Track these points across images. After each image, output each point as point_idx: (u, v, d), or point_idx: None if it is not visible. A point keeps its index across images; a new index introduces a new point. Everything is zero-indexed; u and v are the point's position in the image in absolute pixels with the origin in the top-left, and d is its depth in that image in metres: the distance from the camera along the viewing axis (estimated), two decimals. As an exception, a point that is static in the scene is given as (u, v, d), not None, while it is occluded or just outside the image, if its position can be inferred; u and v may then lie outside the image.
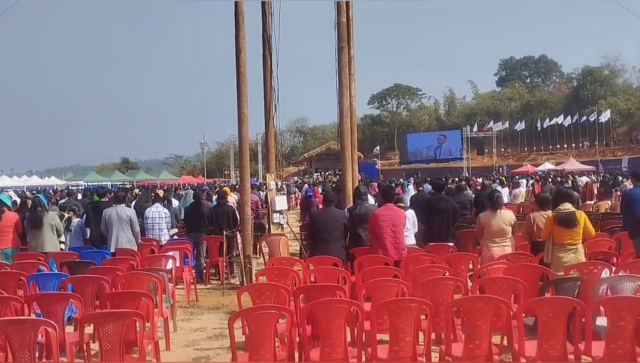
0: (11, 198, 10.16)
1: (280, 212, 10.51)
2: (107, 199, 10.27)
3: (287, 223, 10.86)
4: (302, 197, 18.97)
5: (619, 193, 14.48)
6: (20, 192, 29.94)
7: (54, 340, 4.24)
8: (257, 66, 10.87)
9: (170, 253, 8.08)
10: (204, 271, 10.01)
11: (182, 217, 11.75)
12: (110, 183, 44.92)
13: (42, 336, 4.72)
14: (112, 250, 8.43)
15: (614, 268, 5.97)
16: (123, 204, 9.00)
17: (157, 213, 10.04)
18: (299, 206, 24.45)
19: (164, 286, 6.24)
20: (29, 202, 11.73)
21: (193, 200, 10.92)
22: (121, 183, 46.56)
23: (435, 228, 8.42)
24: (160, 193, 13.20)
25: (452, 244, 8.38)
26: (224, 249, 9.53)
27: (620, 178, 21.34)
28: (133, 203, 12.68)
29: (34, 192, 26.28)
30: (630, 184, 11.40)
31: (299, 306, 5.16)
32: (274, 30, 10.31)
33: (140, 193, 18.09)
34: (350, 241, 7.81)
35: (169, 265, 7.67)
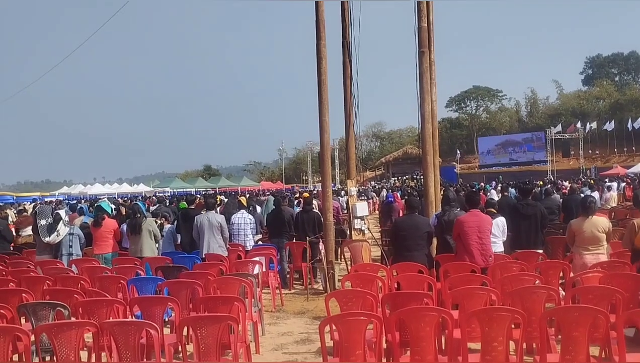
0: (110, 205, 10.78)
1: (362, 218, 10.57)
2: (194, 206, 10.70)
3: (368, 228, 10.90)
4: (382, 202, 18.94)
5: None
6: (113, 199, 31.74)
7: (156, 341, 4.50)
8: (337, 72, 11.02)
9: (257, 259, 8.33)
10: (288, 276, 10.22)
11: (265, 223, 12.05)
12: (194, 190, 46.72)
13: (144, 337, 5.00)
14: (204, 255, 8.77)
15: None
16: (213, 211, 9.35)
17: (243, 219, 10.35)
18: (377, 211, 24.43)
19: (253, 291, 6.45)
20: (122, 209, 12.45)
21: (274, 206, 11.16)
22: (204, 189, 48.24)
23: (522, 234, 8.16)
24: (243, 199, 13.59)
25: (541, 251, 8.12)
26: (308, 254, 9.70)
27: None
28: (218, 209, 13.13)
29: (126, 199, 27.73)
30: None
31: (385, 313, 5.18)
32: (354, 37, 10.42)
33: (226, 200, 18.68)
34: (439, 248, 7.74)
35: (256, 269, 7.91)
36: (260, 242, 10.87)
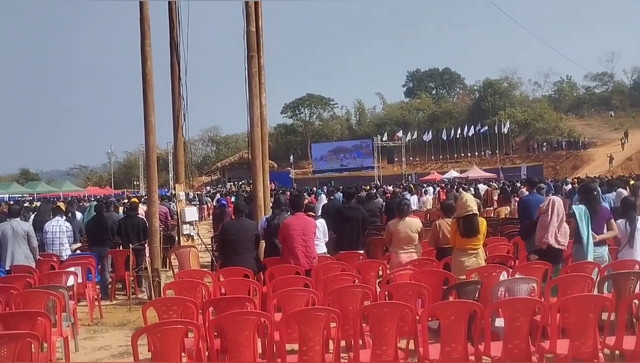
0: None
1: (191, 223, 10.29)
2: None
3: (198, 234, 10.65)
4: (215, 207, 18.67)
5: (517, 199, 15.33)
6: None
7: None
8: (165, 73, 10.63)
9: (72, 269, 7.69)
10: (109, 286, 9.59)
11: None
12: (7, 196, 42.15)
13: None
14: (8, 267, 7.89)
15: (511, 271, 6.30)
16: (18, 218, 8.45)
17: (58, 226, 9.51)
18: (211, 217, 24.04)
19: (64, 304, 5.92)
20: None
21: (95, 212, 10.43)
22: (20, 195, 43.78)
23: (346, 236, 8.54)
24: (62, 205, 12.52)
25: (362, 251, 8.55)
26: (131, 262, 9.18)
27: (519, 185, 22.64)
28: (32, 216, 11.94)
29: None
30: (526, 191, 12.10)
31: (208, 320, 5.05)
32: (182, 37, 10.12)
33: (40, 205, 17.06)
34: (267, 252, 7.77)
35: (70, 281, 7.29)
36: (78, 251, 10.07)
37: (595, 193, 7.09)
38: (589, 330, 4.42)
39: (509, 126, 57.51)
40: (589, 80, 72.41)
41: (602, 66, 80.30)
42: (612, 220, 6.72)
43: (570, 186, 23.36)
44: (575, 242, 6.64)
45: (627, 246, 6.55)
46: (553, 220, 6.44)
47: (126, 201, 19.89)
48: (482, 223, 6.61)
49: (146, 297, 9.30)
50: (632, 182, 18.61)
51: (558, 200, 6.68)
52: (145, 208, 12.80)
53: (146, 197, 16.35)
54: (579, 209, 6.60)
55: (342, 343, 5.16)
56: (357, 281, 6.14)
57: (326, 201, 14.88)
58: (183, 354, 4.46)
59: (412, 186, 28.90)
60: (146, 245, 9.66)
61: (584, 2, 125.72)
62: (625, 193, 11.40)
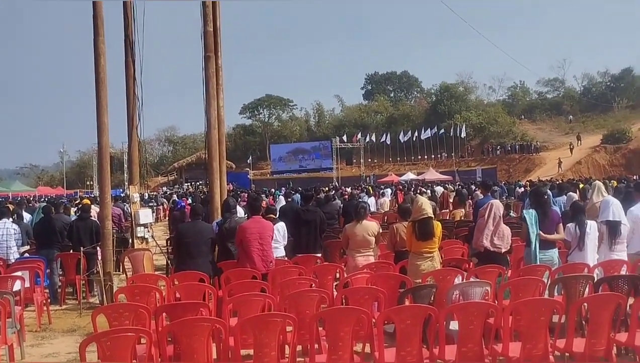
0: None
1: (145, 225, 10.08)
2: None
3: (153, 236, 10.45)
4: (172, 209, 18.36)
5: (471, 202, 15.60)
6: None
7: None
8: (120, 72, 10.41)
9: (19, 273, 7.41)
10: (59, 290, 9.29)
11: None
12: (-51, 196, 40.44)
13: None
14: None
15: (465, 274, 6.39)
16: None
17: (5, 229, 9.16)
18: (167, 218, 23.64)
19: (9, 310, 5.69)
20: None
21: (43, 214, 10.08)
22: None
23: (303, 239, 8.51)
24: (10, 206, 12.08)
25: (319, 255, 8.53)
26: (82, 266, 8.92)
27: (474, 188, 23.09)
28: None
29: None
30: (481, 193, 12.32)
31: (161, 326, 4.94)
32: (137, 35, 9.91)
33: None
34: (220, 256, 7.66)
35: (17, 286, 7.02)
36: (26, 254, 9.71)
37: (546, 197, 7.26)
38: (540, 332, 4.51)
39: (464, 129, 58.67)
40: (541, 85, 74.75)
41: (553, 72, 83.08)
42: (561, 224, 6.90)
43: (522, 188, 23.99)
44: (526, 246, 6.80)
45: (576, 249, 6.72)
46: (489, 223, 6.52)
47: (78, 201, 19.34)
48: (438, 227, 6.68)
49: (98, 302, 9.05)
50: (581, 186, 19.19)
51: (497, 203, 6.78)
52: (98, 209, 12.47)
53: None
54: (530, 214, 6.74)
55: (299, 347, 5.13)
56: (313, 285, 6.12)
57: (284, 203, 14.82)
58: (134, 362, 4.34)
59: (369, 188, 29.11)
60: (99, 248, 9.40)
61: (536, 9, 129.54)
62: (575, 196, 11.72)
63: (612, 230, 6.80)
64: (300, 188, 25.88)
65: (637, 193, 7.79)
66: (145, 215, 10.18)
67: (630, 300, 5.08)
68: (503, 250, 6.58)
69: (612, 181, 24.93)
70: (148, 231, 10.19)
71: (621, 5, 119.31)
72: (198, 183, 54.02)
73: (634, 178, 29.76)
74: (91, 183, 58.51)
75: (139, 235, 10.02)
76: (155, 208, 27.32)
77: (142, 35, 9.92)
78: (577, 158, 50.79)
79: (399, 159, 62.12)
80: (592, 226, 6.75)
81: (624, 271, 6.45)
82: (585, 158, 50.49)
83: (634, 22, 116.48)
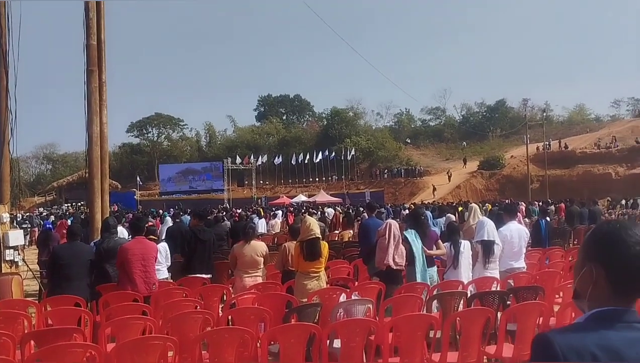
0: None
1: (15, 248, 9.33)
2: None
3: (24, 260, 9.70)
4: (40, 231, 17.20)
5: (359, 223, 16.07)
6: None
7: None
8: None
9: None
10: None
11: None
12: None
13: None
14: None
15: (349, 292, 6.53)
16: None
17: None
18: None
19: None
20: None
21: None
22: None
23: (196, 259, 8.28)
24: None
25: (209, 275, 8.34)
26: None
27: (362, 209, 23.82)
28: None
29: None
30: (367, 215, 12.72)
31: (28, 354, 4.58)
32: (12, 45, 9.25)
33: None
34: (96, 278, 7.25)
35: None
36: None
37: (423, 217, 7.66)
38: (417, 347, 4.70)
39: (354, 153, 60.60)
40: (425, 113, 79.16)
41: (435, 101, 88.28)
42: (440, 241, 7.30)
43: (407, 211, 25.06)
44: (409, 264, 7.10)
45: (451, 267, 7.12)
46: (390, 242, 6.80)
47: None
48: (325, 247, 6.81)
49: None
50: (460, 209, 20.44)
51: (394, 223, 7.09)
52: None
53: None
54: (410, 234, 7.07)
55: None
56: (198, 307, 5.97)
57: (171, 224, 14.39)
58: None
59: (260, 209, 29.08)
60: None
61: (419, 40, 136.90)
62: (453, 218, 12.48)
63: (486, 248, 7.27)
64: (189, 209, 25.31)
65: (506, 214, 8.40)
66: (16, 237, 9.42)
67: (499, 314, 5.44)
68: (402, 268, 6.86)
69: (487, 204, 26.85)
70: (18, 254, 9.44)
71: (498, 41, 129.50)
72: (79, 204, 51.11)
73: (506, 201, 32.14)
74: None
75: (7, 259, 9.25)
76: (30, 229, 25.48)
77: (17, 45, 9.27)
78: (456, 182, 54.02)
79: (290, 181, 62.67)
80: (465, 245, 7.19)
81: (495, 287, 6.91)
82: (464, 182, 53.83)
83: (509, 55, 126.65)
